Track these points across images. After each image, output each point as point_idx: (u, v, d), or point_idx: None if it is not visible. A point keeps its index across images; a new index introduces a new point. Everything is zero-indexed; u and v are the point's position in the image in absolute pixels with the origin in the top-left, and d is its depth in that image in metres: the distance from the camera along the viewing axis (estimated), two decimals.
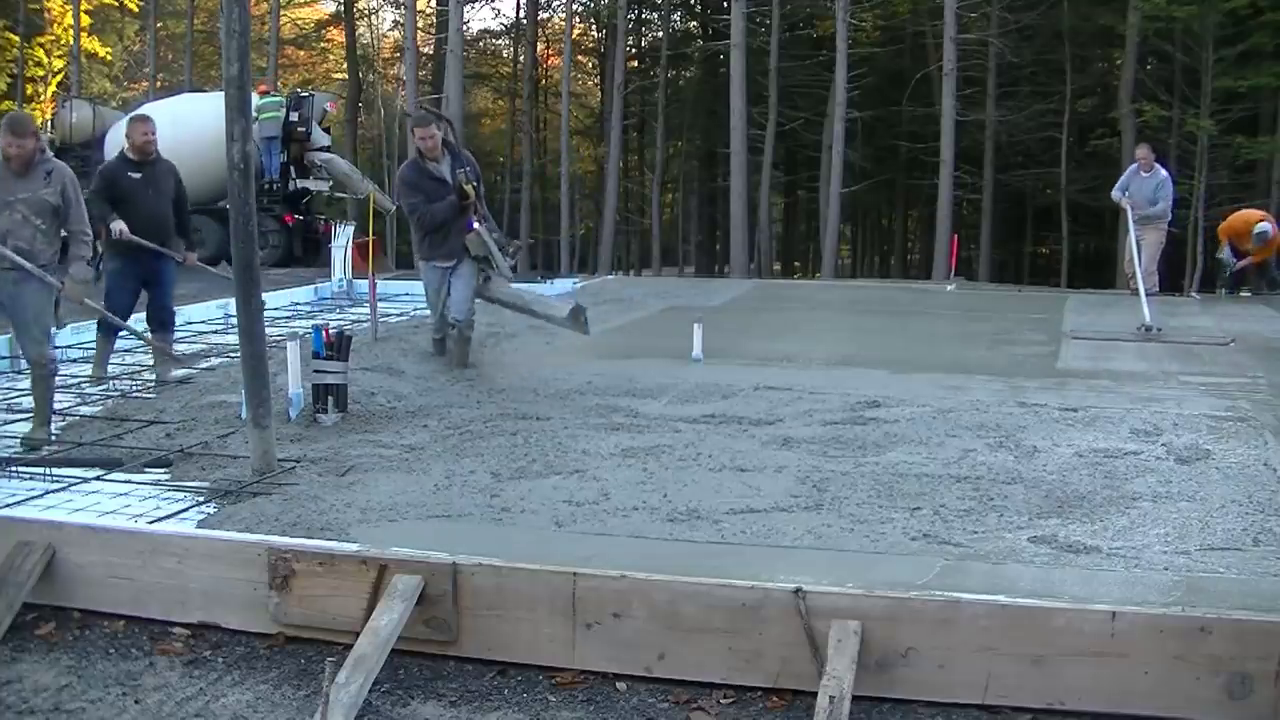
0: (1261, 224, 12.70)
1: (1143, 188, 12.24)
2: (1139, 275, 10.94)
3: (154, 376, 7.22)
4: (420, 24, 30.14)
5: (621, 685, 2.98)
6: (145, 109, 19.80)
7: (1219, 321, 10.46)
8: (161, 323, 7.42)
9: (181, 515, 4.44)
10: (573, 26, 33.14)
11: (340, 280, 12.60)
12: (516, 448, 5.39)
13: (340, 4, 35.56)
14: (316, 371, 5.93)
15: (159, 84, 33.00)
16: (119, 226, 7.01)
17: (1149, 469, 5.03)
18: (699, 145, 36.27)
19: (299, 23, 39.24)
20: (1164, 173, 12.42)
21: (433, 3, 32.75)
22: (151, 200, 7.20)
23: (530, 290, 9.36)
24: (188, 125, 17.44)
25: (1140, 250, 11.57)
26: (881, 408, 6.35)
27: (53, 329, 5.91)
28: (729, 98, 25.36)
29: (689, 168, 36.40)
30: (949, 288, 15.35)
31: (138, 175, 7.20)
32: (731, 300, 12.38)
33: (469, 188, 7.38)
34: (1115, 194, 12.40)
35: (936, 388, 7.02)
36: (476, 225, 7.42)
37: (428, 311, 8.05)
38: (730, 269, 25.87)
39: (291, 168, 18.96)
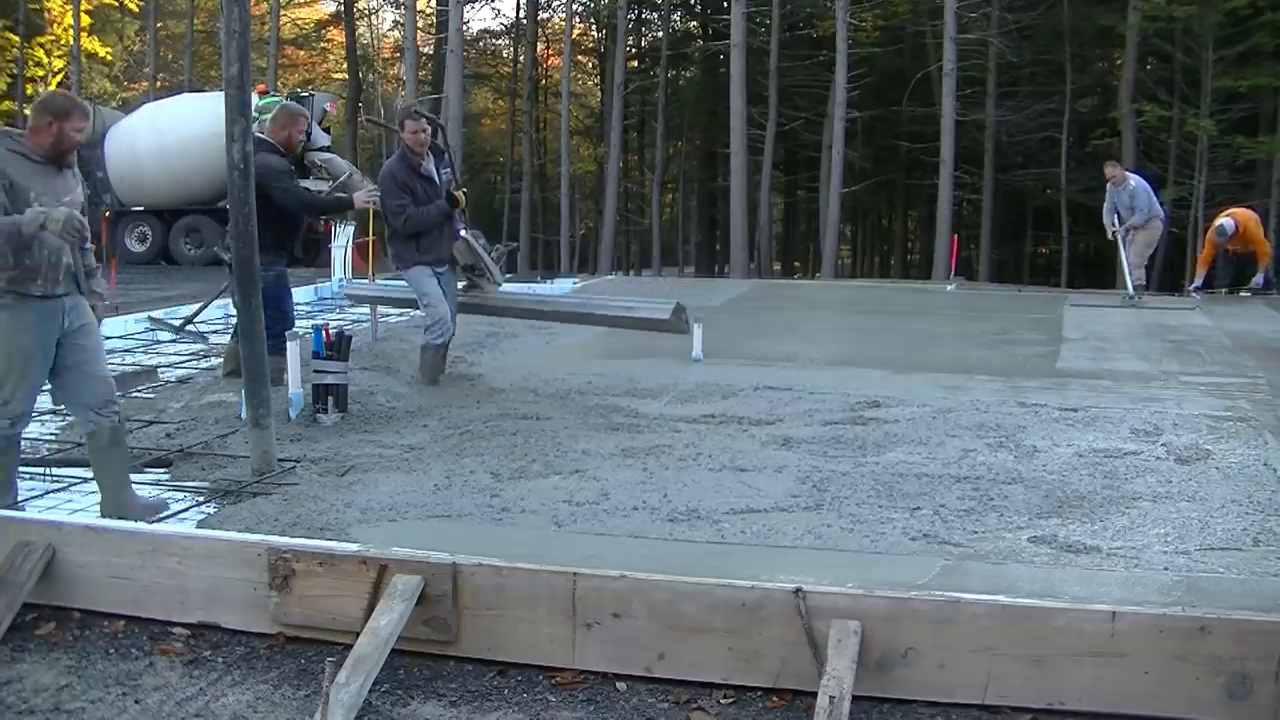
0: (1221, 221, 13.40)
1: (1120, 201, 12.83)
2: (1125, 262, 12.56)
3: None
4: (420, 24, 30.15)
5: (621, 685, 2.98)
6: (146, 109, 19.88)
7: (1219, 321, 10.47)
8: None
9: (181, 515, 4.45)
10: (573, 26, 33.15)
11: (340, 280, 12.59)
12: (516, 448, 5.39)
13: (340, 4, 35.57)
14: (316, 371, 5.93)
15: (159, 84, 33.04)
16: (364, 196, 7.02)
17: (1149, 469, 5.03)
18: (699, 145, 36.27)
19: (299, 23, 39.25)
20: (1133, 182, 12.92)
21: (433, 3, 32.74)
22: None
23: (615, 300, 8.37)
24: (187, 125, 17.47)
25: (1130, 248, 12.69)
26: (881, 408, 6.35)
27: None
28: (729, 98, 25.36)
29: (689, 168, 36.41)
30: (949, 288, 15.35)
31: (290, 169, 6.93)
32: (731, 300, 12.38)
33: (460, 193, 7.05)
34: (1106, 219, 13.00)
35: (936, 388, 7.02)
36: (464, 232, 7.07)
37: (425, 318, 7.06)
38: (730, 269, 25.87)
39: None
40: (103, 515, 4.29)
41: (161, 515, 4.37)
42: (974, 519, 4.30)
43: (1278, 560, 3.85)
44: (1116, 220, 12.74)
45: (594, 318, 7.83)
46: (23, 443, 5.61)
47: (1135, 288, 12.43)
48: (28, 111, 5.86)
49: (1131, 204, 12.64)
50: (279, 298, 6.62)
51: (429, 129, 6.97)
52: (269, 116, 7.03)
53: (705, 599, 2.96)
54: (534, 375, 7.32)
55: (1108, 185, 13.04)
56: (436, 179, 6.98)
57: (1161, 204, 14.28)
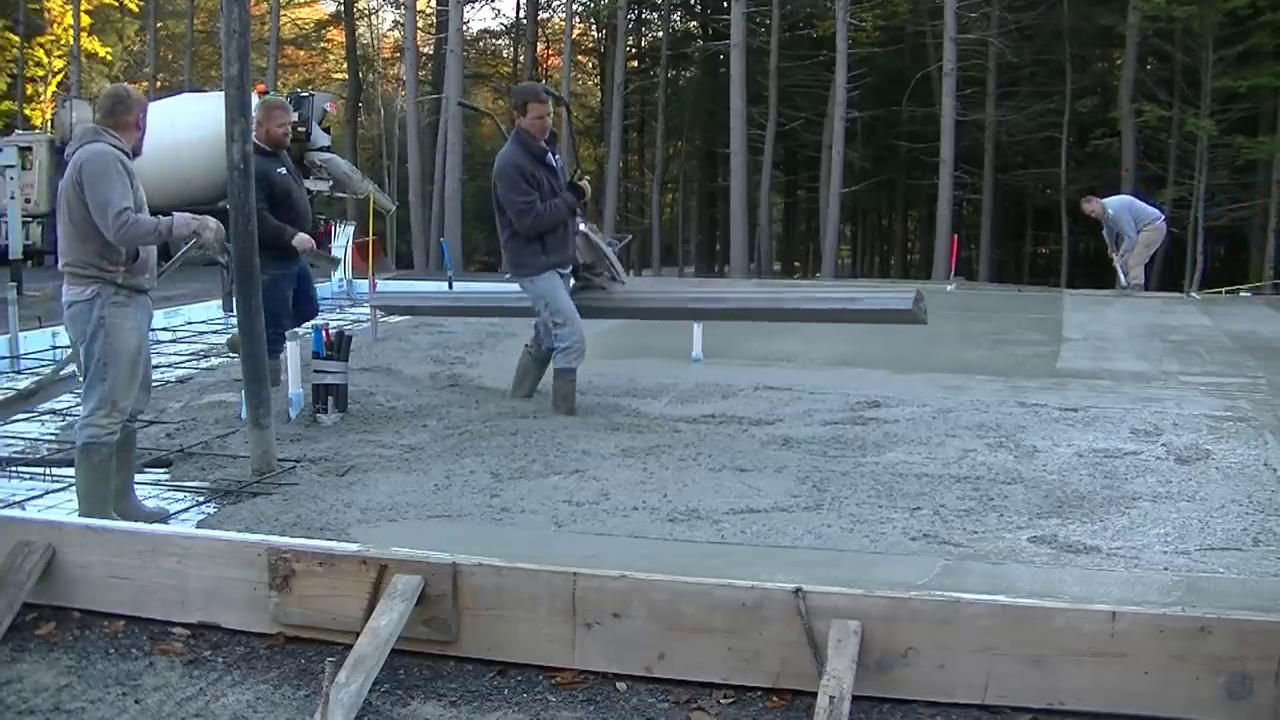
0: None
1: (1110, 229, 13.07)
2: (1119, 264, 12.93)
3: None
4: (420, 24, 30.17)
5: (621, 685, 2.98)
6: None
7: (1219, 321, 10.47)
8: (309, 315, 6.85)
9: (181, 515, 4.45)
10: (573, 26, 33.15)
11: (340, 280, 12.60)
12: (516, 448, 5.38)
13: (340, 4, 35.58)
14: (316, 371, 5.93)
15: (159, 84, 33.04)
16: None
17: (1149, 469, 5.03)
18: (699, 145, 36.28)
19: (299, 23, 39.25)
20: (1111, 209, 13.00)
21: (433, 3, 32.75)
22: (301, 193, 6.69)
23: (825, 292, 7.14)
24: (188, 125, 17.47)
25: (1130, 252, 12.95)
26: (881, 408, 6.35)
27: None
28: (729, 98, 25.37)
29: (689, 168, 36.41)
30: (949, 288, 15.34)
31: (283, 170, 6.58)
32: None
33: (585, 183, 6.34)
34: (1110, 250, 13.33)
35: (936, 388, 7.02)
36: (583, 225, 6.33)
37: (559, 339, 6.16)
38: (730, 269, 25.89)
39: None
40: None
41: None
42: (974, 519, 4.30)
43: (1278, 560, 3.85)
44: (1115, 246, 12.96)
45: (803, 314, 6.59)
46: (22, 443, 5.66)
47: (1132, 286, 12.59)
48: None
49: (1120, 228, 12.81)
50: (269, 301, 6.48)
51: (552, 111, 6.19)
52: None
53: (705, 599, 2.96)
54: None
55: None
56: (557, 167, 6.23)
57: (1159, 205, 14.33)
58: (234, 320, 7.10)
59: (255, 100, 5.84)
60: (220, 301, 10.49)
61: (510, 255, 6.18)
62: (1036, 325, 10.25)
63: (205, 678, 3.05)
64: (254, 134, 6.44)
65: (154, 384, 6.87)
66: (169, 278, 4.80)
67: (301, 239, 6.41)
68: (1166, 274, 22.55)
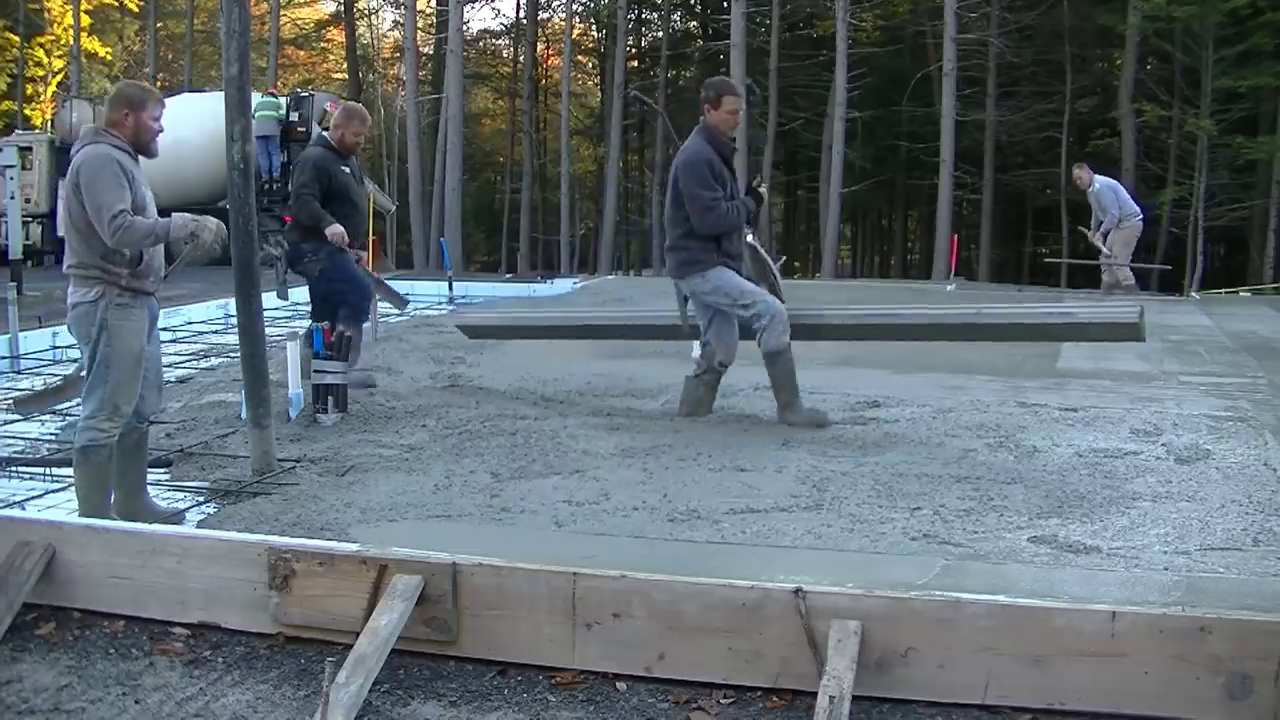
0: None
1: (1092, 205, 12.97)
2: (1094, 239, 12.94)
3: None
4: (420, 24, 30.19)
5: (621, 685, 2.98)
6: None
7: (1219, 321, 10.48)
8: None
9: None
10: (573, 26, 33.19)
11: None
12: (516, 448, 5.38)
13: (340, 4, 35.62)
14: (316, 371, 5.93)
15: (159, 84, 33.01)
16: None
17: (1149, 469, 5.03)
18: None
19: (299, 23, 39.31)
20: (1098, 184, 12.83)
21: (433, 3, 32.77)
22: (360, 196, 6.84)
23: (1037, 307, 6.47)
24: (188, 125, 17.45)
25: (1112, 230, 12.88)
26: (881, 408, 6.35)
27: None
28: None
29: None
30: (949, 288, 15.35)
31: (346, 169, 6.68)
32: None
33: (764, 189, 6.01)
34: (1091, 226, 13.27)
35: (936, 388, 7.02)
36: (750, 238, 5.99)
37: (755, 317, 5.93)
38: None
39: (292, 167, 18.96)
40: (116, 515, 4.28)
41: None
42: (974, 519, 4.30)
43: (1278, 560, 3.85)
44: (1095, 225, 12.90)
45: (1009, 330, 6.22)
46: (22, 443, 5.66)
47: (1124, 287, 12.64)
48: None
49: (1100, 204, 12.73)
50: (331, 273, 6.56)
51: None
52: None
53: (705, 599, 2.96)
54: (533, 375, 7.32)
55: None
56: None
57: (1143, 205, 14.31)
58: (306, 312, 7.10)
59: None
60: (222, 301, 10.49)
61: (682, 255, 5.87)
62: None
63: (205, 678, 3.05)
64: (331, 135, 6.75)
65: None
66: (171, 279, 4.80)
67: (335, 230, 6.55)
68: (1166, 274, 22.56)
